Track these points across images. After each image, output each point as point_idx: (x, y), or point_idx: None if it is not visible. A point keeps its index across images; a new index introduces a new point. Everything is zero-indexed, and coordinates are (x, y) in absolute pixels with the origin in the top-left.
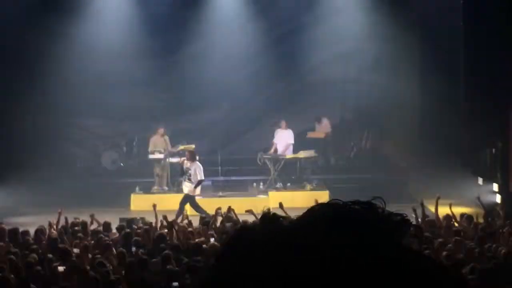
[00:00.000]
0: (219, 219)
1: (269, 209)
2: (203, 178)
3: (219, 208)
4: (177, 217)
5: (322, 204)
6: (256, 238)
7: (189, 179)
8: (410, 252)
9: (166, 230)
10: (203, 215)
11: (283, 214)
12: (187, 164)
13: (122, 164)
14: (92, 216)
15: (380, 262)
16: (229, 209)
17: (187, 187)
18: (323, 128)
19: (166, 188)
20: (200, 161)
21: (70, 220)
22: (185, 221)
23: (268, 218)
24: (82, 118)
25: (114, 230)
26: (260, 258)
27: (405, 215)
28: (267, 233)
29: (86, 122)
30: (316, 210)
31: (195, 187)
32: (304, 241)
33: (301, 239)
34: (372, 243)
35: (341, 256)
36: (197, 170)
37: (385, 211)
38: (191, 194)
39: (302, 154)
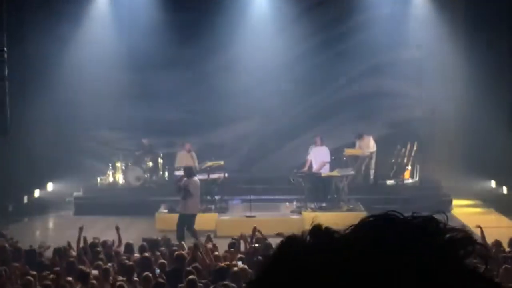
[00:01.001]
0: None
1: (319, 223)
2: (193, 194)
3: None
4: (179, 239)
5: (378, 216)
6: (305, 251)
7: (185, 198)
8: (478, 278)
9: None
10: (196, 241)
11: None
12: (184, 181)
13: (146, 181)
14: (117, 229)
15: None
16: (254, 230)
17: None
18: (364, 146)
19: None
20: (228, 178)
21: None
22: (209, 245)
23: (319, 230)
24: (104, 130)
25: (136, 253)
26: (311, 271)
27: (469, 231)
28: (317, 245)
29: (109, 135)
30: (371, 223)
31: (183, 198)
32: (357, 258)
33: (354, 256)
34: (434, 263)
35: (399, 278)
36: (190, 186)
37: (448, 227)
38: (188, 213)
39: (338, 172)
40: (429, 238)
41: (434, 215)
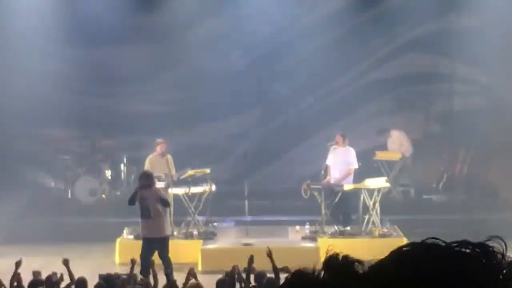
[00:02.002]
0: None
1: (336, 253)
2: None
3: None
4: (144, 273)
5: (414, 244)
6: None
7: (148, 215)
8: None
9: None
10: (169, 274)
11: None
12: (143, 193)
13: (104, 196)
14: (66, 263)
15: None
16: (251, 261)
17: (148, 226)
18: (395, 144)
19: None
20: (217, 192)
21: (28, 274)
22: (192, 280)
23: (335, 262)
24: (46, 128)
25: None
26: None
27: None
28: (334, 284)
29: (53, 133)
30: (406, 253)
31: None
32: None
33: None
34: None
35: None
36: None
37: (506, 257)
38: (156, 236)
39: (367, 183)
40: (482, 272)
41: (488, 242)
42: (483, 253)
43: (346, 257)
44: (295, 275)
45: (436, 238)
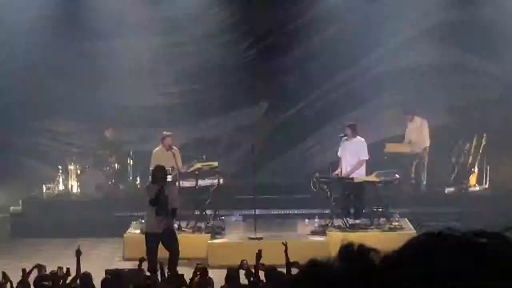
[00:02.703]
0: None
1: (351, 243)
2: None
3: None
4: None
5: (429, 235)
6: (334, 280)
7: (166, 213)
8: None
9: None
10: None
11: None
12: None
13: (108, 186)
14: (78, 255)
15: None
16: (259, 255)
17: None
18: (414, 132)
19: (175, 226)
20: (224, 186)
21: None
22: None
23: (351, 251)
24: (52, 121)
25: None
26: None
27: None
28: (349, 272)
29: (57, 126)
30: (421, 243)
31: (172, 216)
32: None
33: (398, 285)
34: None
35: None
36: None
37: None
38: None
39: (377, 176)
40: (494, 262)
41: (503, 233)
42: (499, 243)
43: (361, 246)
44: (310, 264)
45: (451, 229)
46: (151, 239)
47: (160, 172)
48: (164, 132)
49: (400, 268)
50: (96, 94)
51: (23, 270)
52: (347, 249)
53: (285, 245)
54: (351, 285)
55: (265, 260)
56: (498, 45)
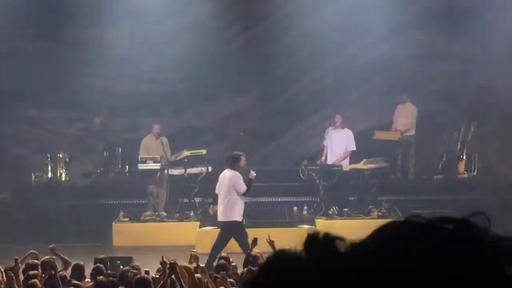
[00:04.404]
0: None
1: (317, 232)
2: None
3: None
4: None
5: (397, 223)
6: (296, 269)
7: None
8: None
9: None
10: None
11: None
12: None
13: (97, 173)
14: (53, 251)
15: None
16: (254, 242)
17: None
18: (403, 117)
19: (164, 213)
20: (213, 174)
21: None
22: (194, 265)
23: (316, 240)
24: (39, 109)
25: (88, 278)
26: None
27: None
28: (314, 263)
29: (45, 114)
30: (388, 231)
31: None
32: (363, 277)
33: (364, 275)
34: (469, 283)
35: None
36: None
37: (490, 234)
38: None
39: (365, 164)
40: (461, 248)
41: (470, 218)
42: (464, 228)
43: (326, 235)
44: (275, 254)
45: (419, 216)
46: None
47: (241, 159)
48: (153, 121)
49: (364, 258)
50: (85, 83)
51: (15, 259)
52: (312, 238)
53: (270, 240)
54: (312, 274)
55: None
56: (485, 31)
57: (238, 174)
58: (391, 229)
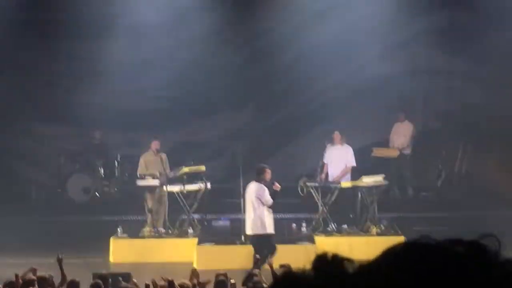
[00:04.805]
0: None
1: (326, 252)
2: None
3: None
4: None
5: (406, 244)
6: None
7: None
8: None
9: None
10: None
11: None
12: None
13: (97, 194)
14: (59, 262)
15: None
16: (256, 262)
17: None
18: (400, 135)
19: (162, 229)
20: (212, 190)
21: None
22: (194, 281)
23: (326, 262)
24: (38, 124)
25: None
26: None
27: None
28: (323, 282)
29: (45, 130)
30: (397, 252)
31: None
32: None
33: None
34: None
35: None
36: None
37: (500, 257)
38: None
39: (365, 181)
40: (473, 271)
41: (481, 241)
42: (475, 251)
43: (335, 256)
44: (284, 275)
45: (429, 237)
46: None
47: (266, 171)
48: (152, 137)
49: (374, 279)
50: (84, 98)
51: (16, 275)
52: (321, 259)
53: (271, 265)
54: None
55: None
56: (483, 49)
57: (263, 186)
58: (400, 250)
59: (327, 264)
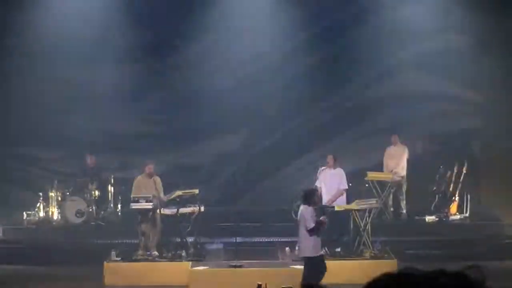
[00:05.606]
0: None
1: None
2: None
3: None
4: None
5: (390, 276)
6: None
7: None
8: None
9: None
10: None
11: None
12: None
13: (89, 212)
14: None
15: None
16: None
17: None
18: (394, 158)
19: (155, 253)
20: (205, 213)
21: None
22: None
23: None
24: (31, 147)
25: None
26: None
27: None
28: None
29: (37, 153)
30: (381, 284)
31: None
32: None
33: None
34: None
35: None
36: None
37: (486, 286)
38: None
39: (357, 204)
40: None
41: (466, 272)
42: (461, 283)
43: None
44: None
45: (412, 268)
46: (320, 261)
47: (316, 194)
48: (146, 161)
49: None
50: (77, 121)
51: None
52: None
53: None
54: None
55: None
56: (479, 73)
57: (310, 209)
58: (383, 283)
59: None
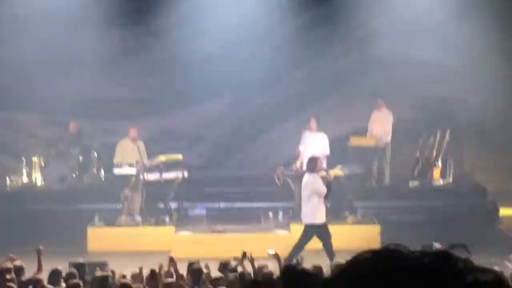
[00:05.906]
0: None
1: (293, 266)
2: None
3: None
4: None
5: (373, 253)
6: None
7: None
8: None
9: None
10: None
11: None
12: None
13: (72, 178)
14: (38, 253)
15: None
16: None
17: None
18: (378, 123)
19: (139, 218)
20: (189, 179)
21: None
22: (171, 269)
23: (293, 277)
24: (14, 112)
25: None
26: None
27: (499, 273)
28: None
29: (20, 118)
30: (363, 263)
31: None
32: None
33: None
34: None
35: None
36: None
37: (469, 267)
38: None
39: (340, 169)
40: (443, 282)
41: (451, 250)
42: (444, 262)
43: (303, 271)
44: (252, 285)
45: (398, 245)
46: (325, 228)
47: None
48: (130, 126)
49: None
50: (59, 86)
51: None
52: (289, 273)
53: (250, 258)
54: None
55: (228, 253)
56: (461, 41)
57: (317, 176)
58: (367, 261)
59: (295, 280)
